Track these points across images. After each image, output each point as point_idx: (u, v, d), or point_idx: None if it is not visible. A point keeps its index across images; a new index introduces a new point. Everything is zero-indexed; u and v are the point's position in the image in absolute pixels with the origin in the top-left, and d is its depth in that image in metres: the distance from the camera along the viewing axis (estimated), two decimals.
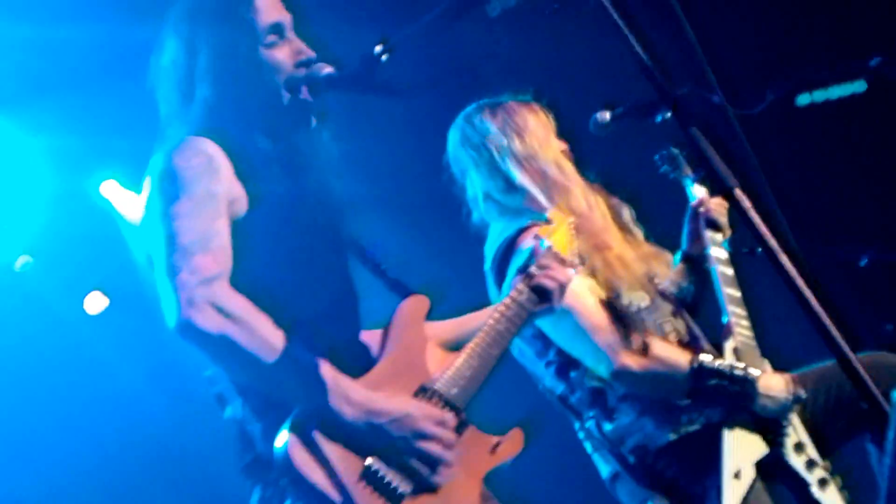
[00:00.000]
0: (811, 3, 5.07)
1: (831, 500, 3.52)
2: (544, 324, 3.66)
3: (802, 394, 3.57)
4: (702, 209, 3.98)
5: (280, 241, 3.00)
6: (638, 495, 3.63)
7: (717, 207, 3.99)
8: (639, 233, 4.04)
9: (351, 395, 2.81)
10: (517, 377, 3.86)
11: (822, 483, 3.53)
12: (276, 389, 2.83)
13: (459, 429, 2.91)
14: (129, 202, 5.84)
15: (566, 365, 3.74)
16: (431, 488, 2.83)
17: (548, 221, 3.21)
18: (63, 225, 5.82)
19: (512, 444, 3.02)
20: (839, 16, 5.03)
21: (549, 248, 3.12)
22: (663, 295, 3.86)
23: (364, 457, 2.78)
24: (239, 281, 2.86)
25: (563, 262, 3.12)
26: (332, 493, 2.72)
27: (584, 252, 3.70)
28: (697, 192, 4.07)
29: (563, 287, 3.09)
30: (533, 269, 3.08)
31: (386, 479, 2.78)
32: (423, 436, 2.82)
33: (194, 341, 2.76)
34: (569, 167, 3.96)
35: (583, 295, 3.61)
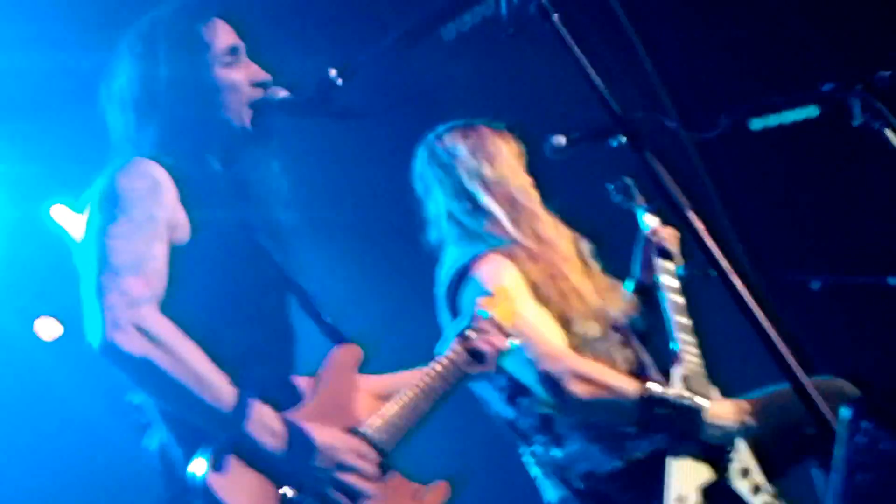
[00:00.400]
0: (763, 30, 5.13)
1: None
2: None
3: (753, 423, 3.58)
4: (654, 238, 4.03)
5: (220, 271, 3.00)
6: None
7: (669, 237, 4.03)
8: (596, 266, 4.05)
9: (273, 425, 2.79)
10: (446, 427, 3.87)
11: None
12: (198, 417, 2.80)
13: (383, 471, 2.91)
14: (80, 226, 5.80)
15: (516, 391, 3.73)
16: None
17: (490, 295, 3.25)
18: (15, 251, 5.77)
19: (436, 495, 3.05)
20: (792, 42, 5.09)
21: (490, 318, 3.16)
22: (615, 326, 3.87)
23: (281, 486, 2.77)
24: (173, 308, 2.85)
25: (502, 330, 3.17)
26: None
27: (539, 280, 3.72)
28: (650, 221, 4.11)
29: (498, 353, 3.13)
30: (470, 332, 3.11)
31: None
32: (344, 467, 2.81)
33: (117, 363, 2.74)
34: (536, 197, 3.99)
35: (534, 323, 3.62)
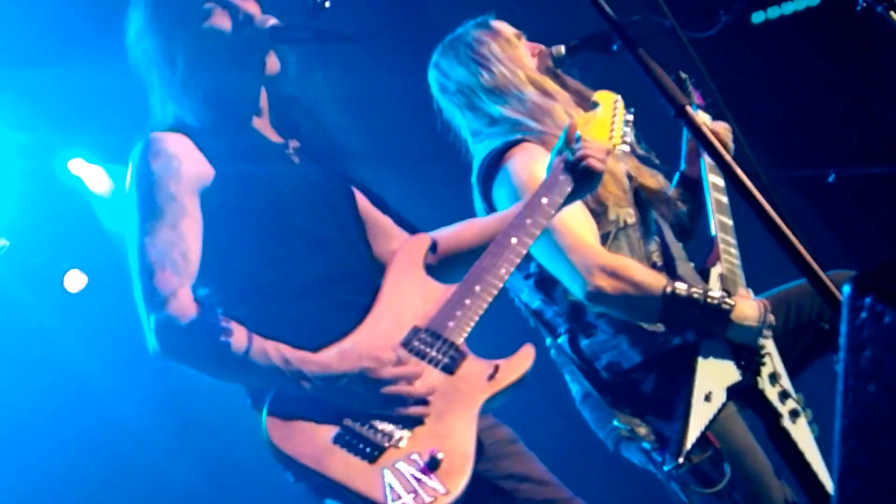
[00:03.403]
0: None
1: (801, 432, 3.53)
2: None
3: (773, 321, 3.57)
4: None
5: (260, 210, 3.05)
6: (604, 419, 3.65)
7: (723, 132, 3.94)
8: (636, 155, 3.97)
9: (305, 370, 2.84)
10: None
11: (794, 415, 3.54)
12: (250, 383, 2.94)
13: (455, 362, 2.90)
14: (97, 178, 5.88)
15: (545, 279, 3.71)
16: (412, 425, 2.83)
17: (594, 105, 3.23)
18: (36, 207, 5.83)
19: (515, 363, 2.95)
20: None
21: (580, 138, 3.11)
22: (651, 213, 3.82)
23: (339, 421, 2.81)
24: (226, 258, 2.98)
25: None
26: (305, 461, 2.75)
27: None
28: (701, 118, 4.00)
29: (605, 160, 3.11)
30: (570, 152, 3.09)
31: (363, 436, 2.79)
32: (386, 382, 2.84)
33: (169, 361, 2.89)
34: (546, 82, 3.90)
35: (565, 212, 3.61)
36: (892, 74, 4.69)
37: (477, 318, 2.94)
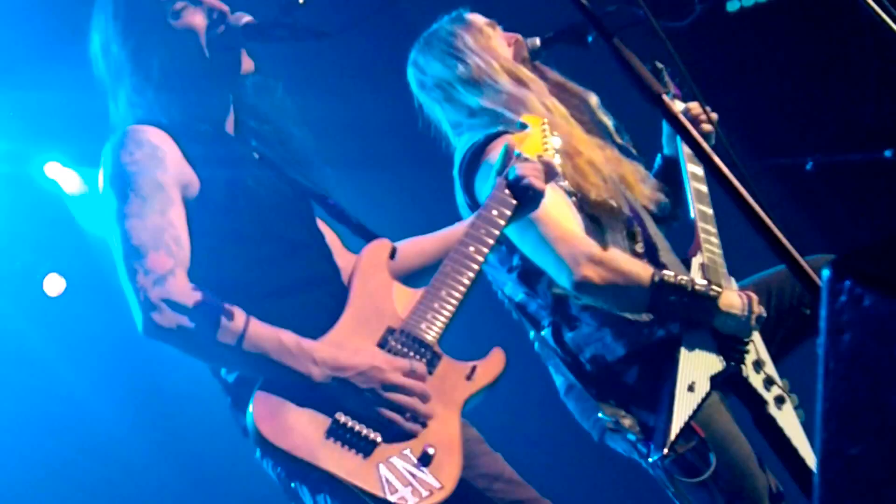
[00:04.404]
0: None
1: (787, 418, 3.54)
2: (509, 230, 3.65)
3: (763, 312, 3.57)
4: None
5: (240, 213, 3.03)
6: (589, 411, 3.65)
7: (695, 109, 3.91)
8: (608, 122, 3.99)
9: (315, 355, 2.84)
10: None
11: (779, 401, 3.55)
12: (245, 367, 2.90)
13: (432, 364, 2.94)
14: (73, 181, 5.86)
15: (529, 272, 3.71)
16: (406, 437, 2.85)
17: (522, 126, 3.24)
18: (13, 211, 5.80)
19: (490, 365, 3.02)
20: None
21: (520, 155, 3.15)
22: (632, 206, 3.82)
23: (332, 414, 2.81)
24: (206, 261, 2.94)
25: (540, 160, 3.17)
26: (301, 455, 2.74)
27: None
28: (677, 107, 3.98)
29: (548, 171, 3.15)
30: (510, 172, 3.12)
31: (356, 430, 2.81)
32: (393, 388, 2.85)
33: (160, 340, 2.84)
34: (521, 72, 3.89)
35: (549, 203, 3.60)
36: (867, 61, 4.70)
37: (448, 321, 2.98)
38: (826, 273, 1.62)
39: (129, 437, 6.09)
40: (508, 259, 3.75)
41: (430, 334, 2.95)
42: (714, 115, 3.76)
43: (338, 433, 2.79)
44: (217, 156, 3.08)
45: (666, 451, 3.34)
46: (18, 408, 5.74)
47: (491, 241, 3.07)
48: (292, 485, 2.90)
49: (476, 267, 3.03)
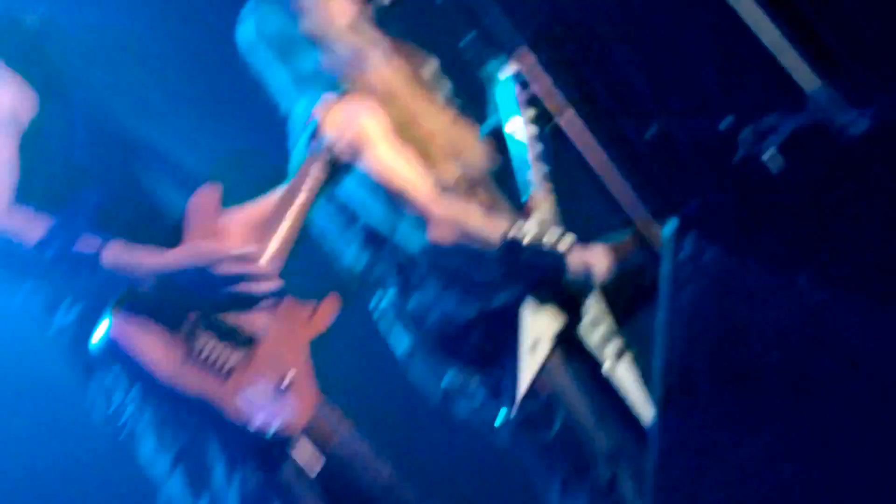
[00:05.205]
0: None
1: (622, 375, 3.62)
2: (352, 198, 3.61)
3: (606, 272, 3.63)
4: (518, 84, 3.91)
5: (72, 136, 3.00)
6: (437, 370, 3.66)
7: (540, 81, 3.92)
8: (445, 87, 3.97)
9: (144, 261, 2.82)
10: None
11: (617, 357, 3.63)
12: (80, 276, 2.84)
13: (277, 295, 2.97)
14: None
15: (374, 236, 3.69)
16: (253, 343, 2.87)
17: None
18: None
19: (328, 309, 3.12)
20: None
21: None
22: (472, 170, 3.82)
23: (185, 316, 2.81)
24: (34, 184, 2.90)
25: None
26: (163, 371, 2.75)
27: (394, 127, 3.65)
28: (510, 69, 3.96)
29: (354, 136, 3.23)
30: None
31: (213, 354, 2.82)
32: (232, 279, 2.85)
33: None
34: (364, 34, 3.83)
35: (395, 165, 3.57)
36: (705, 26, 4.81)
37: (286, 255, 3.00)
38: (669, 227, 1.64)
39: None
40: (349, 226, 3.73)
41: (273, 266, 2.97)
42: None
43: (196, 356, 2.80)
44: (52, 88, 3.02)
45: (513, 411, 3.37)
46: None
47: (312, 197, 3.12)
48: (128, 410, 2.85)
49: (299, 224, 3.08)
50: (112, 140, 3.09)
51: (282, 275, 2.99)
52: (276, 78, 3.83)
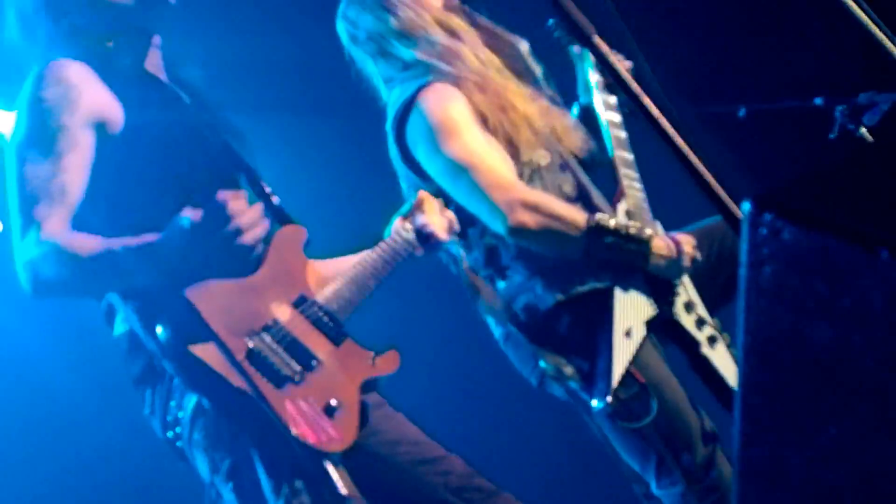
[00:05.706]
0: None
1: (720, 357, 3.60)
2: (443, 181, 3.64)
3: (698, 255, 3.61)
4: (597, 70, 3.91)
5: (159, 158, 3.01)
6: (527, 359, 3.67)
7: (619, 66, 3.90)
8: (538, 71, 3.97)
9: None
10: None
11: (712, 341, 3.60)
12: (138, 276, 2.87)
13: (339, 338, 3.02)
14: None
15: (462, 222, 3.68)
16: (314, 372, 2.92)
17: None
18: None
19: (388, 360, 3.13)
20: None
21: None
22: (563, 155, 3.83)
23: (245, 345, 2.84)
24: (112, 202, 2.93)
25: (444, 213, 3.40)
26: (218, 364, 2.79)
27: (487, 110, 3.67)
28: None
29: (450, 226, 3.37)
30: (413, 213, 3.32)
31: (269, 362, 2.87)
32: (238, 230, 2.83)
33: (48, 297, 2.88)
34: (454, 22, 3.84)
35: (480, 151, 3.57)
36: (800, 9, 4.73)
37: (354, 308, 3.08)
38: (746, 206, 1.64)
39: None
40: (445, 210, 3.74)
41: (342, 313, 3.05)
42: (627, 63, 3.77)
43: (252, 359, 2.84)
44: (142, 93, 3.05)
45: (610, 398, 3.38)
46: None
47: (396, 258, 3.23)
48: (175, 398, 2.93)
49: (383, 277, 3.17)
50: (203, 160, 3.12)
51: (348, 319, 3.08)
52: (374, 73, 3.89)
